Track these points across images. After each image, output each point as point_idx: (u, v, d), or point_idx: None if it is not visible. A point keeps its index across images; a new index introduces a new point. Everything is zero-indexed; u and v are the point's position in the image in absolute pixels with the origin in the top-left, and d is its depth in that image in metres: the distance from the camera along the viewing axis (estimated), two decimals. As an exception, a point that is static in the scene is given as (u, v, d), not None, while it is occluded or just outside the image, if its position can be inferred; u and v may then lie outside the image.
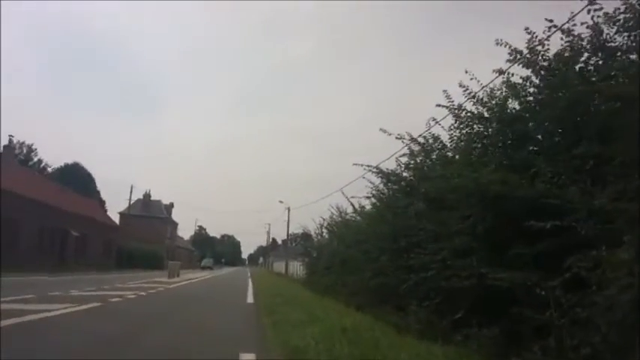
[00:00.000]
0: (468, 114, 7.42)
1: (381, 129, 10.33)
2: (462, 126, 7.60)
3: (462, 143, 7.77)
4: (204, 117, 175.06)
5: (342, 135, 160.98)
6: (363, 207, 14.83)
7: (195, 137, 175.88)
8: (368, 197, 11.71)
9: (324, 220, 20.25)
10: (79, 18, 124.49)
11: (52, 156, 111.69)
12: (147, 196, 64.13)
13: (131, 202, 52.76)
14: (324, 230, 22.77)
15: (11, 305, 7.84)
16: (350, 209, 15.91)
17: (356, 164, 11.38)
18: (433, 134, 9.37)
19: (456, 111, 7.61)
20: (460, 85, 7.42)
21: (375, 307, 10.39)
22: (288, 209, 47.48)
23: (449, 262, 6.88)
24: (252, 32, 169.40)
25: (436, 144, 9.23)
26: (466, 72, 7.29)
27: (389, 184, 10.86)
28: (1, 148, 29.16)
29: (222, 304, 11.59)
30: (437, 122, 8.59)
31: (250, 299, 12.68)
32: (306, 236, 30.33)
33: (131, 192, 50.17)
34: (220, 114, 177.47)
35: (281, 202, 49.49)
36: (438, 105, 7.85)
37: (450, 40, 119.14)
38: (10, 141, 29.79)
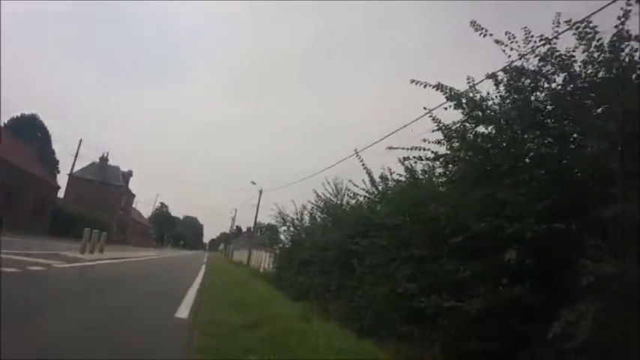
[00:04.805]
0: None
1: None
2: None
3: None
4: (191, 95, 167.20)
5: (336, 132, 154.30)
6: (385, 179, 9.66)
7: (178, 113, 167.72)
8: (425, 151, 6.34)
9: (319, 195, 14.67)
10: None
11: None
12: (103, 159, 56.98)
13: (77, 160, 45.81)
14: (306, 216, 17.48)
15: None
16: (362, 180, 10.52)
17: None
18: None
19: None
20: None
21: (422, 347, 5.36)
22: (260, 192, 41.81)
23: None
24: (248, 18, 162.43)
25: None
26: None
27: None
28: None
29: (110, 324, 5.14)
30: None
31: (184, 309, 7.03)
32: (271, 227, 25.05)
33: (79, 146, 43.18)
34: (207, 95, 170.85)
35: (253, 183, 43.54)
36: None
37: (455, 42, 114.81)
38: None
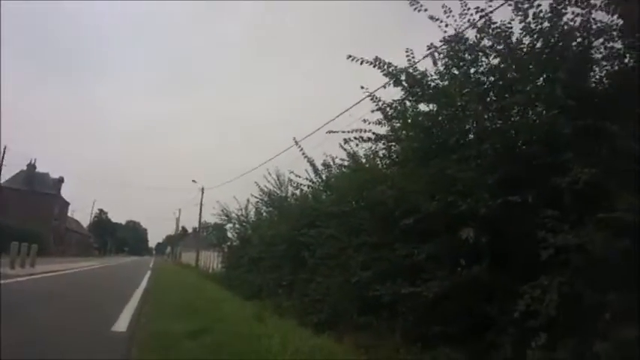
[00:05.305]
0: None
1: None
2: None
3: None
4: (122, 93, 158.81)
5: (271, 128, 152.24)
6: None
7: (110, 112, 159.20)
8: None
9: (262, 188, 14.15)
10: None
11: None
12: (31, 167, 53.08)
13: (3, 169, 42.27)
14: (252, 211, 16.94)
15: None
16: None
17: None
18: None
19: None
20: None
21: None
22: (202, 190, 40.53)
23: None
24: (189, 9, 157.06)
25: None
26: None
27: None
28: None
29: (40, 344, 4.47)
30: None
31: (123, 320, 6.18)
32: (219, 226, 24.33)
33: (4, 154, 39.75)
34: (138, 92, 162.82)
35: (194, 181, 42.17)
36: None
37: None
38: None
